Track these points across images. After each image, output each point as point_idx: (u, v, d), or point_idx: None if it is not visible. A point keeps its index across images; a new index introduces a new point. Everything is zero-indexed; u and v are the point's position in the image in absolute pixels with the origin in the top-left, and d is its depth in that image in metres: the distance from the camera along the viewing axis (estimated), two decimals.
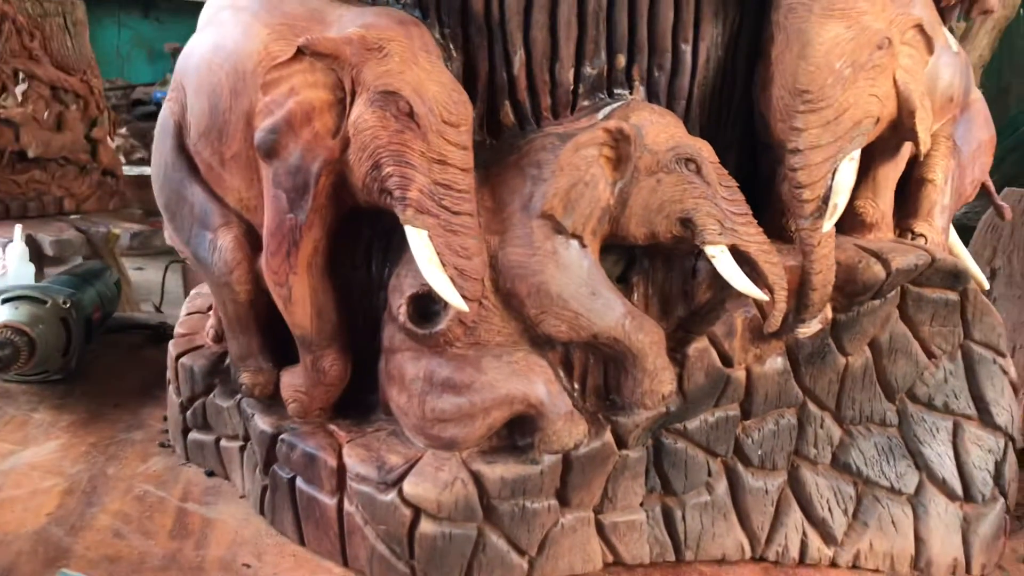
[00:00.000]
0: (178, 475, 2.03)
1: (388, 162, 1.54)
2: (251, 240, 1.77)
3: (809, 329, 1.73)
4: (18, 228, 3.35)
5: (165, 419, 2.27)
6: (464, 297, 1.54)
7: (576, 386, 1.70)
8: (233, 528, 1.81)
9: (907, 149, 1.88)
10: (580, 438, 1.63)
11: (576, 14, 1.66)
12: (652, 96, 1.74)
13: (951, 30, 2.06)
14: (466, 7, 1.68)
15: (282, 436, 1.76)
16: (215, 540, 1.77)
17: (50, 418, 2.33)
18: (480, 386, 1.61)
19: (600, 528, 1.70)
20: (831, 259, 1.66)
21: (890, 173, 1.89)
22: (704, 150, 1.64)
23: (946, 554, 1.80)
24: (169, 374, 2.13)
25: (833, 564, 1.79)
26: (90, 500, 1.90)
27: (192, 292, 2.48)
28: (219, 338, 2.05)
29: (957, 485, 1.81)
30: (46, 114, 4.60)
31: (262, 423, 1.81)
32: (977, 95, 2.13)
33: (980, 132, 2.11)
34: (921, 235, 1.93)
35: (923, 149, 1.77)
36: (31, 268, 3.26)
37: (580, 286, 1.60)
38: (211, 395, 1.99)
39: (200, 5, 1.92)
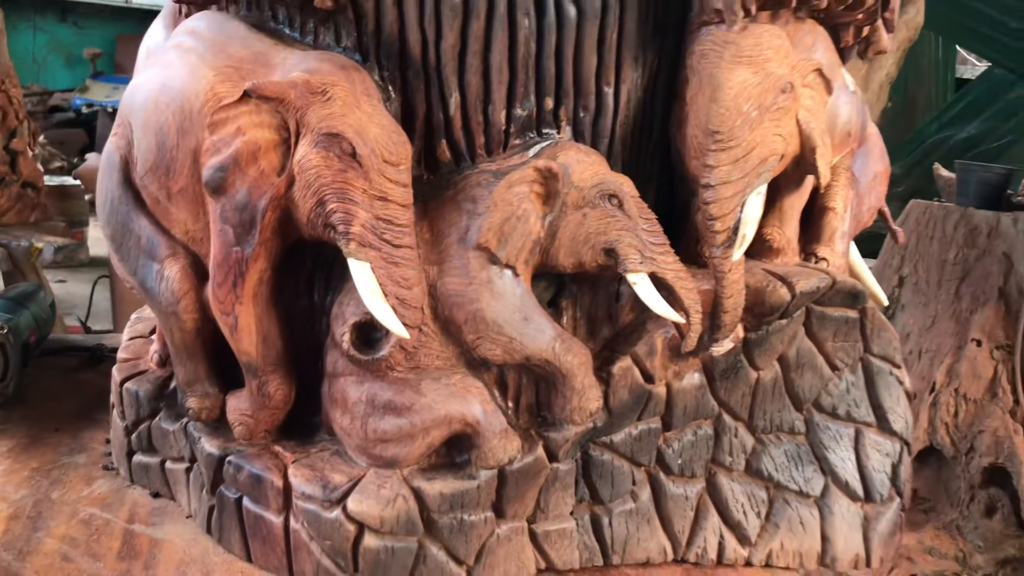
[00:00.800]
0: (123, 497, 2.06)
1: (332, 199, 1.62)
2: (197, 270, 1.83)
3: (723, 347, 1.84)
4: None
5: (107, 442, 2.30)
6: (405, 325, 1.62)
7: (510, 405, 1.80)
8: (181, 548, 1.87)
9: (810, 181, 2.00)
10: (514, 453, 1.73)
11: (507, 60, 1.75)
12: (578, 135, 1.84)
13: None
14: (404, 52, 1.76)
15: (229, 458, 1.82)
16: (163, 560, 1.82)
17: None
18: (420, 408, 1.70)
19: (533, 537, 1.80)
20: (741, 284, 1.78)
21: (795, 203, 2.03)
22: (626, 185, 1.76)
23: (849, 550, 1.95)
24: (113, 398, 2.16)
25: (748, 563, 1.92)
26: (36, 525, 1.93)
27: (132, 317, 2.50)
28: (163, 363, 2.10)
29: (858, 487, 1.95)
30: None
31: (209, 446, 1.87)
32: (873, 129, 2.28)
33: (876, 164, 2.26)
34: (823, 259, 2.06)
35: (824, 182, 1.91)
36: None
37: (513, 312, 1.71)
38: (156, 419, 2.03)
39: (120, 10, 1.97)
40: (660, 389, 1.84)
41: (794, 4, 1.84)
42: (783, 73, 1.78)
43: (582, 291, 1.87)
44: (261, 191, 1.66)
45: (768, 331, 1.88)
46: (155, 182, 1.79)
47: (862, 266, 2.27)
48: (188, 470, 1.98)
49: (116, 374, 2.16)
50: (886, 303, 2.17)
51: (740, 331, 1.86)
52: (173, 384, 2.04)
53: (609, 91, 1.83)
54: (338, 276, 1.83)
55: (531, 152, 1.78)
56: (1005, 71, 7.19)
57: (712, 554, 1.91)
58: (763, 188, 1.80)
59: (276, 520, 1.76)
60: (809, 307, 1.91)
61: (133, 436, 2.09)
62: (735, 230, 1.75)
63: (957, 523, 3.76)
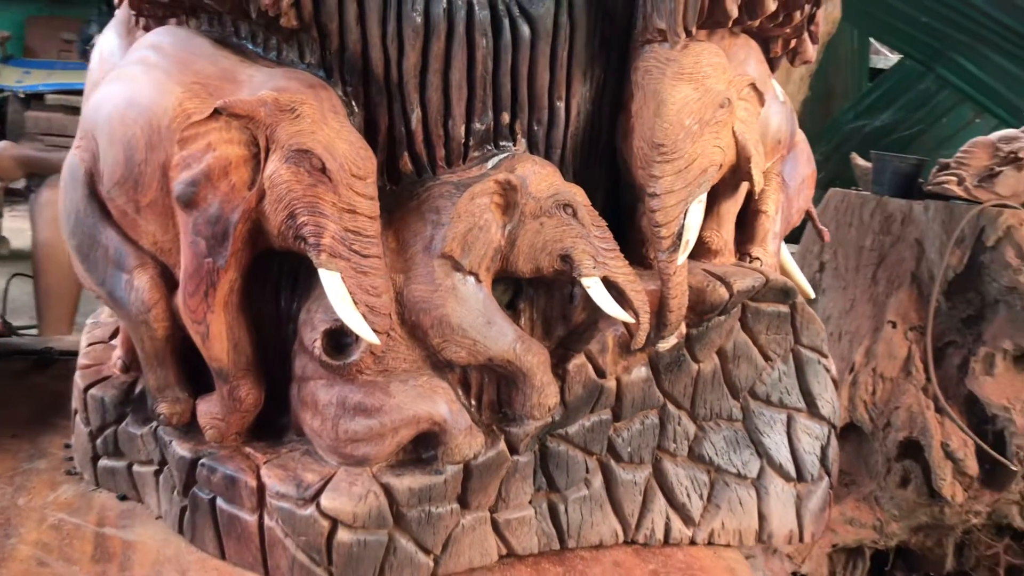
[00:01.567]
0: (90, 501, 2.08)
1: (303, 212, 1.68)
2: (166, 280, 1.87)
3: (668, 343, 1.95)
4: None
5: (67, 446, 2.30)
6: (375, 331, 1.70)
7: (473, 403, 1.89)
8: (154, 548, 1.91)
9: (745, 187, 2.13)
10: (478, 449, 1.83)
11: (466, 78, 1.83)
12: (532, 147, 1.93)
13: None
14: (367, 69, 1.82)
15: (202, 460, 1.87)
16: (138, 561, 1.86)
17: None
18: (389, 408, 1.78)
19: (495, 525, 1.90)
20: (685, 285, 1.89)
21: (731, 208, 2.16)
22: (579, 195, 1.86)
23: (783, 527, 2.10)
24: (76, 404, 2.18)
25: (692, 542, 2.05)
26: (6, 532, 1.94)
27: (88, 322, 2.51)
28: (127, 368, 2.13)
29: (791, 468, 2.10)
30: None
31: (181, 449, 1.92)
32: (801, 136, 2.42)
33: (804, 168, 2.40)
34: (757, 258, 2.20)
35: (757, 188, 2.04)
36: None
37: (477, 317, 1.80)
38: (123, 423, 2.06)
39: None
40: (611, 383, 1.95)
41: (731, 24, 1.96)
42: (721, 89, 1.90)
43: (538, 294, 1.96)
44: (233, 205, 1.71)
45: (708, 327, 2.00)
46: (123, 195, 1.82)
47: (791, 264, 2.42)
48: (157, 473, 2.01)
49: (79, 380, 2.17)
50: (813, 296, 2.33)
51: (683, 328, 1.98)
52: (138, 389, 2.07)
53: (561, 105, 1.92)
54: (304, 283, 1.90)
55: (489, 164, 1.87)
56: (915, 63, 7.54)
57: (660, 535, 2.04)
58: (704, 196, 1.92)
59: (250, 519, 1.83)
60: (745, 303, 2.04)
61: (99, 441, 2.11)
62: (679, 236, 1.86)
63: (875, 494, 4.01)
